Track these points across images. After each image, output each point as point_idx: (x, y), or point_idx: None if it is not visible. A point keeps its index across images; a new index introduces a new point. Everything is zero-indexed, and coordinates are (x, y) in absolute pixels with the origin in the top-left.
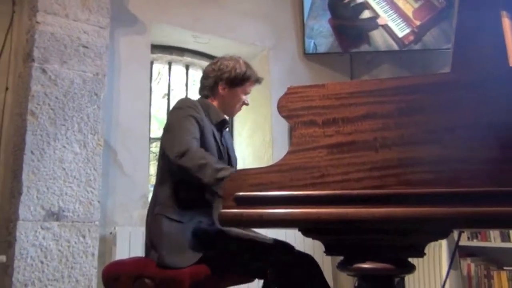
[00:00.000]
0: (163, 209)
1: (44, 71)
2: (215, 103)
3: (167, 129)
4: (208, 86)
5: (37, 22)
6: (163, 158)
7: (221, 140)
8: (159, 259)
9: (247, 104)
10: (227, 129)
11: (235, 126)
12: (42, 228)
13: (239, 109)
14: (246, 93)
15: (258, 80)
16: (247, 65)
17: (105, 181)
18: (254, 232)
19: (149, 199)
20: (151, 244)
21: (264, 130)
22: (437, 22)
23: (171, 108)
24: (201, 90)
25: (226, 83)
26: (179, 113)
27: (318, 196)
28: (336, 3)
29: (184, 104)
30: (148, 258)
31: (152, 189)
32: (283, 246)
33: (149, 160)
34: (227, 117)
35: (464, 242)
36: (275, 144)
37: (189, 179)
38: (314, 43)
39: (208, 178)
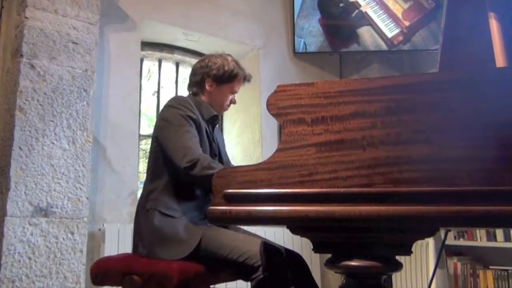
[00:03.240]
0: (156, 204)
1: (32, 66)
2: (204, 100)
3: (166, 127)
4: (196, 82)
5: (26, 18)
6: (156, 155)
7: (212, 136)
8: (146, 250)
9: (234, 103)
10: (217, 125)
11: (225, 125)
12: (30, 224)
13: (227, 107)
14: (233, 92)
15: (246, 78)
16: (236, 63)
17: (94, 178)
18: (245, 231)
19: (138, 196)
20: (139, 239)
21: (254, 129)
22: (426, 23)
23: (161, 105)
24: (190, 87)
25: (214, 79)
26: (176, 112)
27: (306, 194)
28: (326, 3)
29: (180, 103)
30: (136, 255)
31: (141, 186)
32: (272, 248)
33: (138, 157)
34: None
35: (450, 241)
36: (265, 143)
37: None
38: (304, 42)
39: None
